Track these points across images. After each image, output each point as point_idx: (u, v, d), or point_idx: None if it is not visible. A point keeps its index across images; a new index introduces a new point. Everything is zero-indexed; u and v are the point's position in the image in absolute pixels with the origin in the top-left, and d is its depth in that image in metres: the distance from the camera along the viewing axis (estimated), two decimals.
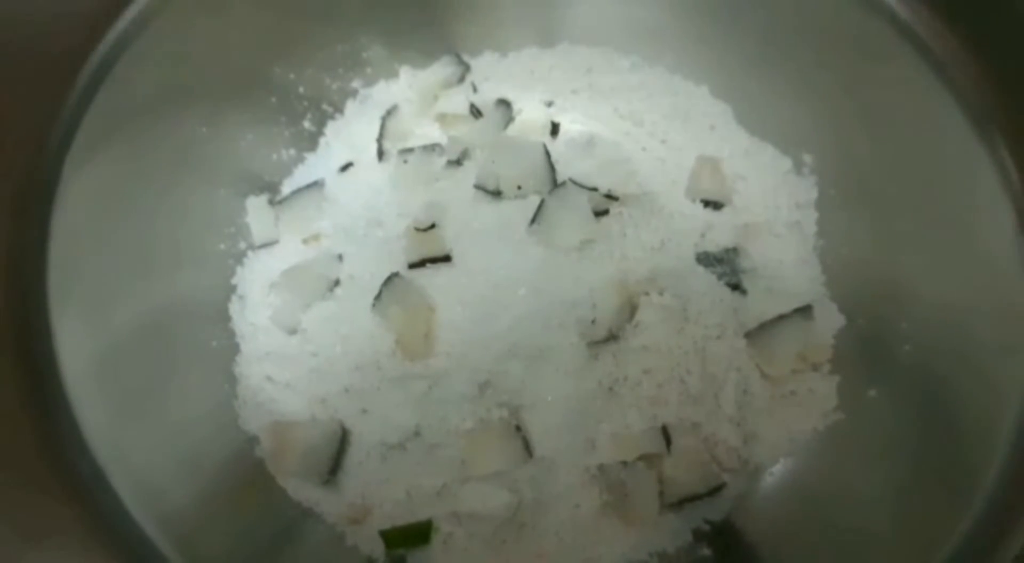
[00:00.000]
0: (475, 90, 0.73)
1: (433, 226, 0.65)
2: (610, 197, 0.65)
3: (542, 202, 0.64)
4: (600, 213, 0.64)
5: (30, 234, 0.51)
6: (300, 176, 0.72)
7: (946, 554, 0.50)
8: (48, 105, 0.53)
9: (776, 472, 0.63)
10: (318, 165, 0.72)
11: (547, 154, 0.66)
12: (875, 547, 0.55)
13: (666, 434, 0.60)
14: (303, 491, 0.61)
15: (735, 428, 0.62)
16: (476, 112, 0.71)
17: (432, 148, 0.69)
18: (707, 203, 0.69)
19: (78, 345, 0.51)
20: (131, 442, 0.52)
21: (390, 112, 0.72)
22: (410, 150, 0.69)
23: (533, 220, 0.63)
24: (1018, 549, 0.48)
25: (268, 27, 0.64)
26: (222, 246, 0.67)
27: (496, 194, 0.66)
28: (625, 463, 0.60)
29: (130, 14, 0.55)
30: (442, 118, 0.72)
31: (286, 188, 0.71)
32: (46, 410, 0.47)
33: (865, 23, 0.60)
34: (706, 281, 0.65)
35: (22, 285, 0.50)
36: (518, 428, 0.60)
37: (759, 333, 0.64)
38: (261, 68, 0.67)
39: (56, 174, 0.52)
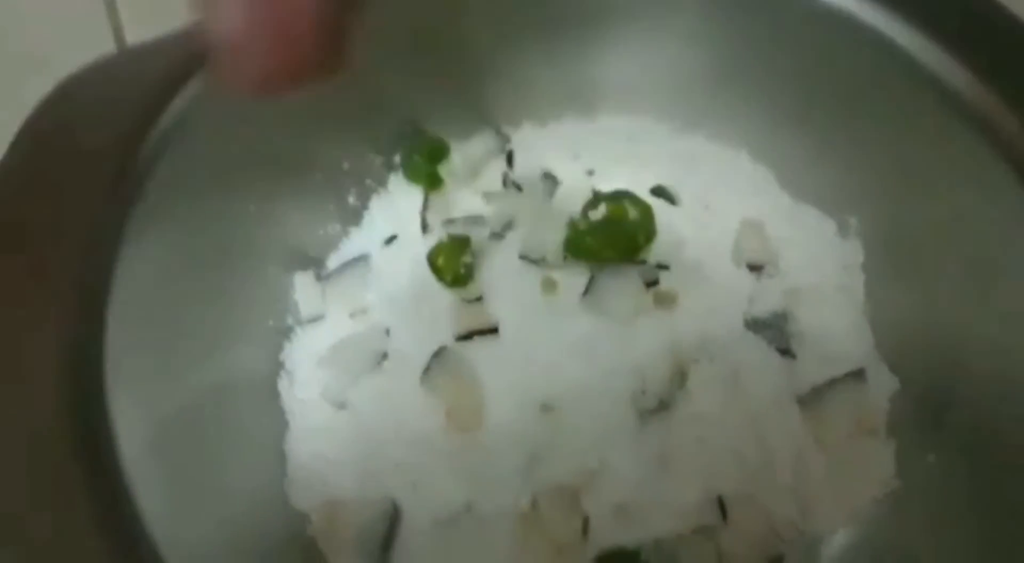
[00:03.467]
0: (510, 165, 0.74)
1: (480, 298, 0.65)
2: (660, 266, 0.66)
3: (592, 277, 0.64)
4: (651, 283, 0.64)
5: (88, 318, 0.51)
6: (346, 251, 0.72)
7: None
8: (102, 194, 0.54)
9: (835, 542, 0.61)
10: (363, 239, 0.72)
11: None
12: None
13: (722, 505, 0.59)
14: None
15: (791, 497, 0.61)
16: (515, 186, 0.72)
17: (475, 220, 0.70)
18: (753, 268, 0.68)
19: (134, 425, 0.50)
20: (186, 523, 0.51)
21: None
22: (453, 221, 0.70)
23: (585, 292, 0.63)
24: None
25: (316, 108, 0.65)
26: (271, 322, 0.67)
27: (542, 264, 0.66)
28: (681, 536, 0.59)
29: (181, 102, 0.56)
30: (484, 191, 0.73)
31: (332, 263, 0.72)
32: (106, 493, 0.47)
33: (904, 86, 0.60)
34: (756, 347, 0.65)
35: (80, 368, 0.50)
36: (571, 503, 0.59)
37: (811, 398, 0.63)
38: (308, 147, 0.68)
39: (113, 257, 0.53)
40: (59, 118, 0.56)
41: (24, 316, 0.50)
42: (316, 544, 0.61)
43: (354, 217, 0.74)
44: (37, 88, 0.57)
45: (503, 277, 0.66)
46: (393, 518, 0.60)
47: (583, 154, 0.74)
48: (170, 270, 0.57)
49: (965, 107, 0.57)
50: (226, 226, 0.63)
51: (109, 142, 0.55)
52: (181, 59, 0.58)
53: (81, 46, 0.63)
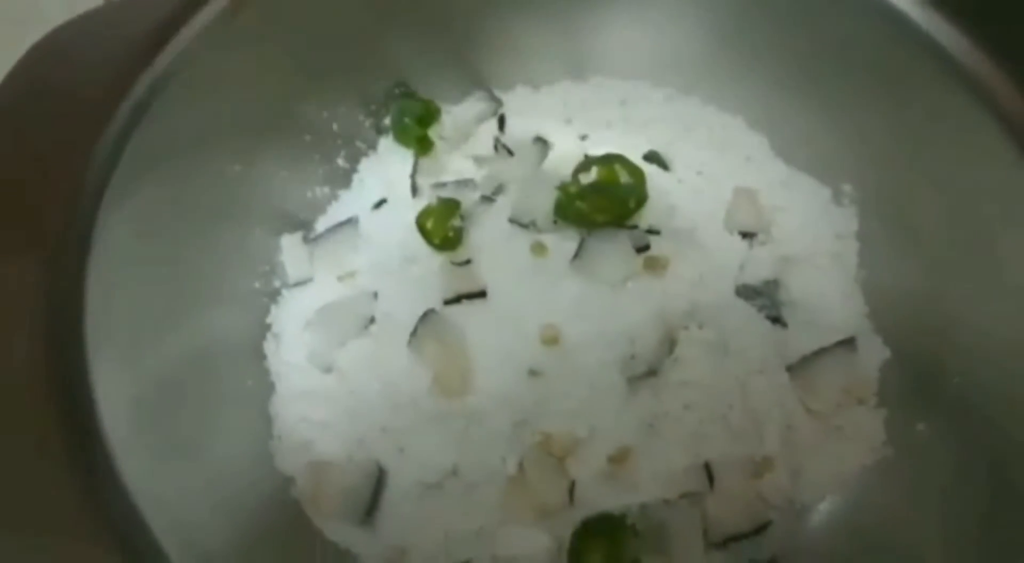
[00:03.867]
0: (502, 128, 0.73)
1: (468, 261, 0.65)
2: (651, 231, 0.65)
3: (583, 240, 0.63)
4: (641, 248, 0.64)
5: (66, 279, 0.50)
6: (334, 213, 0.71)
7: None
8: (83, 146, 0.53)
9: (824, 510, 0.61)
10: (352, 202, 0.71)
11: None
12: None
13: (709, 471, 0.59)
14: (340, 532, 0.60)
15: (780, 464, 0.60)
16: (506, 150, 0.71)
17: (465, 183, 0.69)
18: (745, 235, 0.68)
19: (116, 389, 0.50)
20: (169, 486, 0.51)
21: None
22: (443, 185, 0.69)
23: (575, 256, 0.63)
24: None
25: (303, 66, 0.64)
26: (257, 284, 0.67)
27: (532, 228, 0.65)
28: (667, 501, 0.58)
29: (166, 56, 0.56)
30: (475, 155, 0.72)
31: (320, 226, 0.71)
32: (86, 457, 0.47)
33: (904, 53, 0.59)
34: (746, 314, 0.64)
35: (59, 331, 0.49)
36: (557, 467, 0.58)
37: (801, 367, 0.63)
38: (296, 107, 0.67)
39: (92, 217, 0.52)
40: (43, 72, 0.55)
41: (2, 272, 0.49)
42: (301, 506, 0.61)
43: (343, 180, 0.73)
44: (27, 41, 0.56)
45: (492, 241, 0.66)
46: (379, 481, 0.60)
47: (576, 118, 0.74)
48: (152, 229, 0.57)
49: (966, 77, 0.56)
50: (211, 185, 0.62)
51: (92, 97, 0.54)
52: (167, 12, 0.57)
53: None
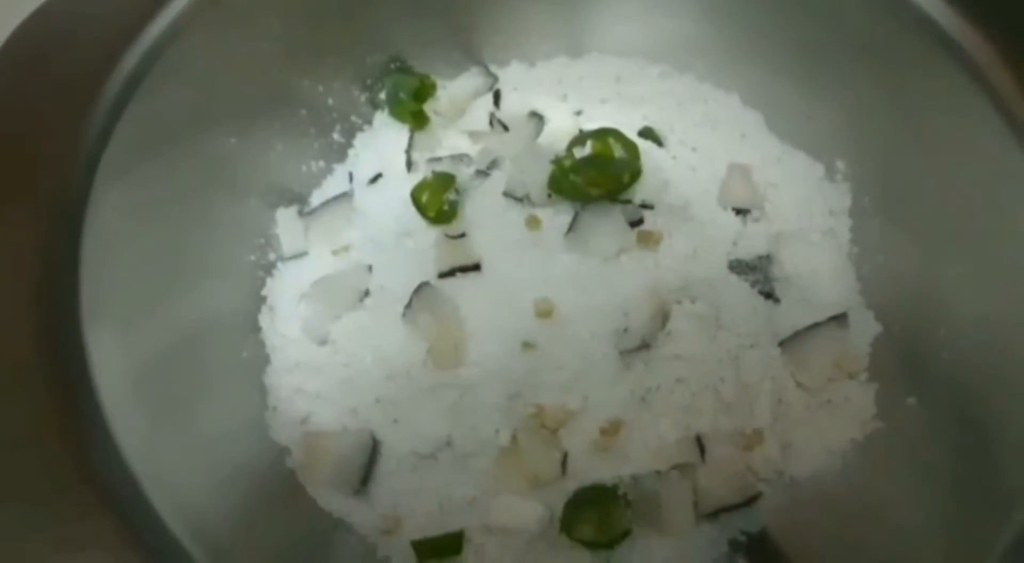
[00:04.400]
0: (497, 104, 0.73)
1: (463, 235, 0.65)
2: (644, 206, 0.65)
3: (576, 214, 0.63)
4: (635, 223, 0.64)
5: (61, 250, 0.50)
6: (329, 187, 0.72)
7: None
8: (77, 118, 0.53)
9: (813, 482, 0.61)
10: (347, 176, 0.72)
11: None
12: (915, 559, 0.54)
13: (700, 443, 0.60)
14: (334, 501, 0.60)
15: (770, 437, 0.61)
16: (501, 125, 0.71)
17: (460, 158, 0.69)
18: (739, 211, 0.68)
19: (111, 359, 0.50)
20: (165, 454, 0.52)
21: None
22: (438, 159, 0.70)
23: (569, 230, 0.63)
24: None
25: (298, 40, 0.64)
26: (252, 257, 0.67)
27: (526, 202, 0.66)
28: (659, 472, 0.59)
29: (159, 26, 0.56)
30: (470, 130, 0.72)
31: (315, 199, 0.71)
32: (82, 426, 0.47)
33: (898, 30, 0.60)
34: (739, 289, 0.65)
35: (54, 301, 0.49)
36: (550, 439, 0.59)
37: (793, 342, 0.64)
38: (291, 80, 0.67)
39: (86, 188, 0.52)
40: (38, 42, 0.55)
41: None
42: (295, 476, 0.61)
43: (338, 154, 0.73)
44: (24, 11, 0.56)
45: (487, 214, 0.66)
46: (373, 451, 0.60)
47: (571, 94, 0.74)
48: (148, 198, 0.57)
49: (961, 56, 0.57)
50: (206, 158, 0.62)
51: (87, 68, 0.54)
52: None
53: None
